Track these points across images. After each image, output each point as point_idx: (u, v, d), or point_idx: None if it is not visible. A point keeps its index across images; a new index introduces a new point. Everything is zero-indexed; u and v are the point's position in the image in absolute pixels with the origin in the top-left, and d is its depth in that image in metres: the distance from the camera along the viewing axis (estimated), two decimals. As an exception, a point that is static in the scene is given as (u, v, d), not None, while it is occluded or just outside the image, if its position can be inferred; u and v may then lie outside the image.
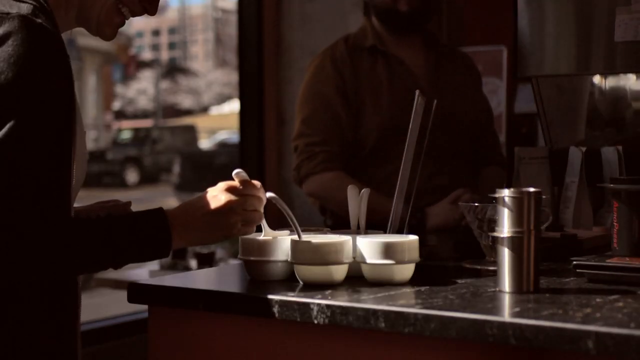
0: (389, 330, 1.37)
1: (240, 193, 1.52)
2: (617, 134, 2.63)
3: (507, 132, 3.93)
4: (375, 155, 2.56)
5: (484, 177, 2.68)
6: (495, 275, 1.54)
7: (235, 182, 1.54)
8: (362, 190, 1.73)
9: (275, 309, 1.48)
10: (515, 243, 1.49)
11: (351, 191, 1.73)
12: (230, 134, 19.97)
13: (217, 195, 1.51)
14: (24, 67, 1.33)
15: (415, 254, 1.60)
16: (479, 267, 1.76)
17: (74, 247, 1.38)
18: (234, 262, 3.16)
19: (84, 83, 23.05)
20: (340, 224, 2.47)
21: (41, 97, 1.35)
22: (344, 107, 2.57)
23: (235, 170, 1.55)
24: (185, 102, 30.05)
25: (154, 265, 4.05)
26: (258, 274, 1.64)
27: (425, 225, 2.47)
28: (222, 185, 1.53)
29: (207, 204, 1.50)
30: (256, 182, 1.56)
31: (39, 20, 1.36)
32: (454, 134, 2.60)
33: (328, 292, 1.51)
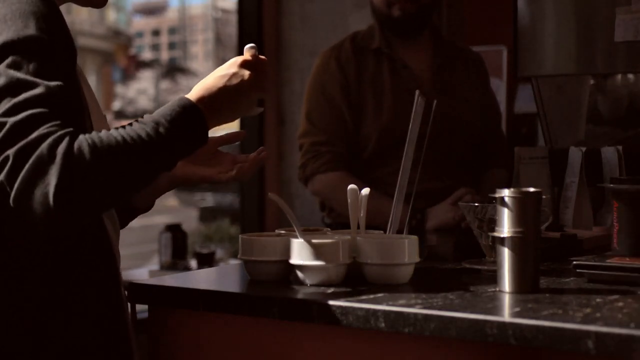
0: (389, 330, 1.37)
1: (257, 69, 1.45)
2: (617, 134, 2.63)
3: (507, 132, 3.92)
4: (375, 158, 2.57)
5: (488, 179, 2.68)
6: (495, 275, 1.54)
7: (248, 57, 1.46)
8: (362, 191, 1.73)
9: (275, 309, 1.48)
10: (515, 243, 1.49)
11: (351, 191, 1.73)
12: (230, 134, 19.93)
13: (237, 73, 1.42)
14: (19, 24, 1.30)
15: (415, 254, 1.60)
16: (479, 267, 1.76)
17: (122, 156, 1.26)
18: (234, 262, 3.16)
19: (84, 83, 22.98)
20: (339, 224, 2.47)
21: (39, 44, 1.30)
22: (348, 107, 2.58)
23: (249, 45, 1.47)
24: (185, 102, 29.94)
25: (154, 265, 4.06)
26: (258, 274, 1.64)
27: (425, 225, 2.47)
28: (236, 61, 1.45)
29: (230, 83, 1.42)
30: (264, 58, 1.48)
31: None
32: (457, 137, 2.60)
33: (328, 292, 1.51)
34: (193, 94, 1.40)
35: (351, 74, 2.59)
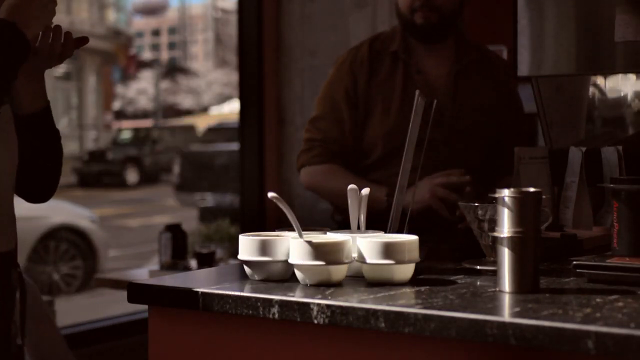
0: (389, 330, 1.37)
1: None
2: (617, 134, 2.63)
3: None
4: (380, 161, 2.55)
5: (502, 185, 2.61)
6: (495, 275, 1.54)
7: None
8: (362, 191, 1.73)
9: (275, 309, 1.48)
10: (515, 243, 1.49)
11: (351, 191, 1.73)
12: (230, 133, 19.96)
13: None
14: None
15: (415, 254, 1.60)
16: (479, 267, 1.76)
17: None
18: (234, 262, 3.16)
19: (84, 83, 23.03)
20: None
21: None
22: (350, 112, 2.57)
23: None
24: (185, 102, 30.03)
25: (154, 265, 4.05)
26: (258, 274, 1.64)
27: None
28: None
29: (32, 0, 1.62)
30: None
31: None
32: (467, 145, 2.54)
33: (328, 292, 1.51)
34: (5, 15, 1.59)
35: (362, 77, 2.58)
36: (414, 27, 2.56)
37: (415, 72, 2.58)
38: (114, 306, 5.06)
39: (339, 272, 1.58)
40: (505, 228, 1.50)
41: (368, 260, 1.58)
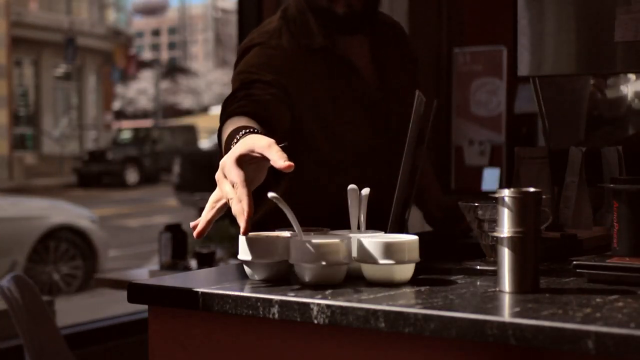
0: (389, 330, 1.37)
1: None
2: (617, 134, 2.63)
3: (507, 132, 3.93)
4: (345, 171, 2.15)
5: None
6: (495, 275, 1.54)
7: None
8: (362, 191, 1.73)
9: (275, 309, 1.48)
10: (515, 243, 1.49)
11: (351, 191, 1.73)
12: (230, 134, 19.95)
13: None
14: None
15: (415, 254, 1.60)
16: (479, 267, 1.76)
17: None
18: (234, 262, 3.16)
19: (84, 83, 23.06)
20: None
21: None
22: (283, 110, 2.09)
23: None
24: (185, 102, 30.08)
25: (154, 265, 4.06)
26: (258, 274, 1.64)
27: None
28: None
29: None
30: None
31: None
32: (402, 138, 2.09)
33: (328, 292, 1.51)
34: None
35: (293, 80, 2.13)
36: (334, 17, 2.18)
37: (353, 70, 2.22)
38: (114, 306, 5.06)
39: (339, 272, 1.58)
40: (505, 228, 1.50)
41: (368, 260, 1.58)
